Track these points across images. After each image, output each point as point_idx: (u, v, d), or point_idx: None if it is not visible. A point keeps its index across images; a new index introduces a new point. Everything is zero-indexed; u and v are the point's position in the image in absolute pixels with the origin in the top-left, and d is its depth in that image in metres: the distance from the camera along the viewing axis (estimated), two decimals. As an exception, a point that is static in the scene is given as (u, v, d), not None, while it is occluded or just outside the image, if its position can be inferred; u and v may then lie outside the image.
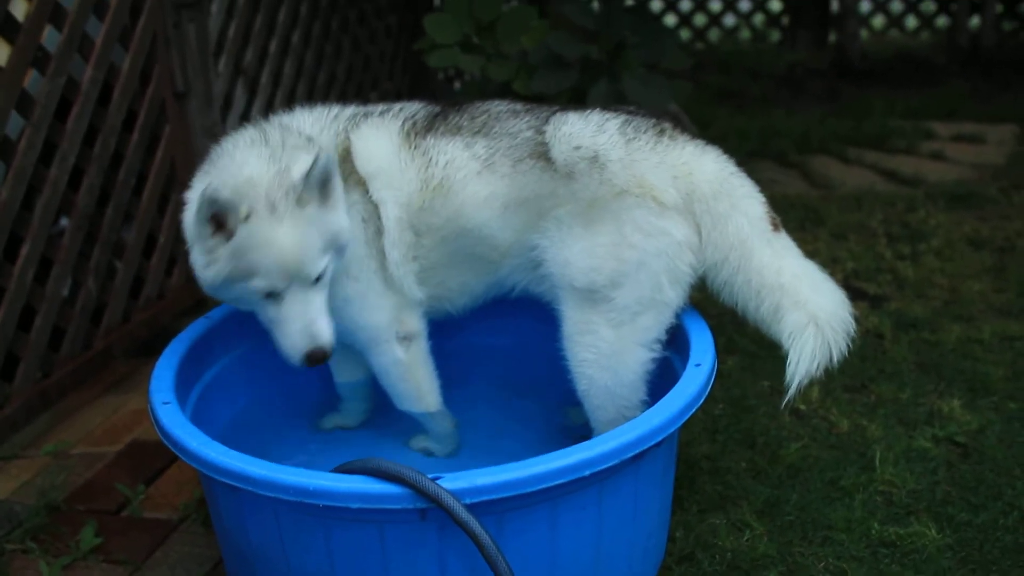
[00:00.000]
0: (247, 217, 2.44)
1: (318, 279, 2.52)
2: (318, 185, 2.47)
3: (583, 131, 2.65)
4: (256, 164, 2.52)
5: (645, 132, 2.66)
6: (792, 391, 2.56)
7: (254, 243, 2.45)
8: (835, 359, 2.59)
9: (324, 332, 2.53)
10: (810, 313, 2.59)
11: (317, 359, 2.53)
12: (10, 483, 3.25)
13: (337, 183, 2.54)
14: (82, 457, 3.40)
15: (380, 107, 2.86)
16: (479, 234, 2.71)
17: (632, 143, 2.63)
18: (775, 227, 2.70)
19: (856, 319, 4.04)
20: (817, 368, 2.57)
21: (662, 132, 2.68)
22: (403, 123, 2.76)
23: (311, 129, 2.74)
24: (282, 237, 2.44)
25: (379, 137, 2.73)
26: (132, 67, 4.03)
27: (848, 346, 2.64)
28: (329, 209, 2.52)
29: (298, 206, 2.45)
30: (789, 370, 2.57)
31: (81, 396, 3.82)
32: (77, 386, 3.86)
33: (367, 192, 2.70)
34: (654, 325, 2.69)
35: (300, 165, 2.48)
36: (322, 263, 2.51)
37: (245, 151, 2.58)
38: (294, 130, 2.69)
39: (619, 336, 2.66)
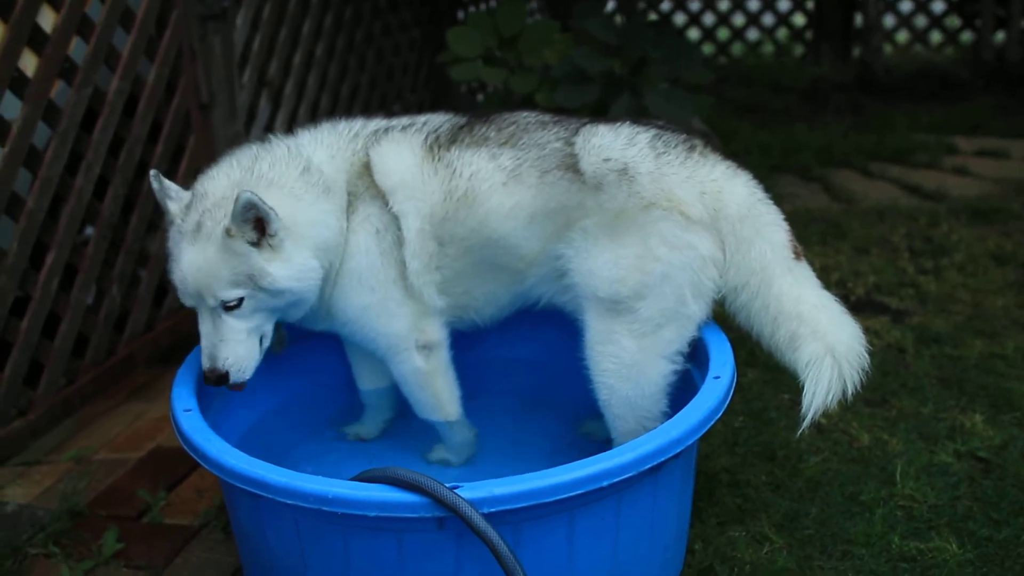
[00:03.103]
0: (171, 224, 2.63)
1: (232, 308, 2.59)
2: (244, 221, 2.51)
3: (613, 143, 2.66)
4: (222, 181, 2.64)
5: (675, 147, 2.67)
6: (807, 422, 2.56)
7: (171, 251, 2.63)
8: (849, 393, 2.59)
9: (224, 359, 2.61)
10: (828, 345, 2.60)
11: (212, 381, 2.62)
12: (33, 488, 3.28)
13: (279, 229, 2.54)
14: (104, 463, 3.43)
15: (403, 121, 2.88)
16: (504, 244, 2.72)
17: (662, 157, 2.64)
18: (797, 256, 2.71)
19: (877, 333, 4.05)
20: (832, 400, 2.57)
21: (692, 148, 2.69)
22: (426, 136, 2.78)
23: (326, 150, 2.78)
24: (187, 257, 2.57)
25: (400, 151, 2.75)
26: (158, 78, 4.07)
27: (868, 363, 2.64)
28: (262, 252, 2.55)
29: (226, 235, 2.52)
30: (805, 401, 2.57)
31: (104, 403, 3.85)
32: (100, 393, 3.89)
33: (386, 205, 2.72)
34: (676, 338, 2.69)
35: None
36: (228, 294, 2.56)
37: (230, 164, 2.70)
38: (303, 155, 2.73)
39: (641, 347, 2.66)
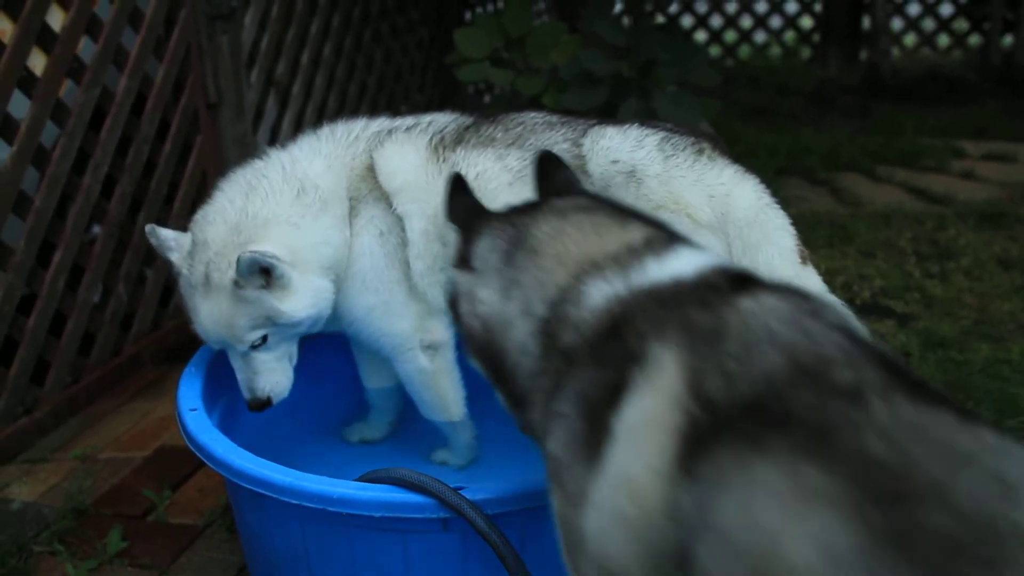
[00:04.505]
0: (179, 275, 2.66)
1: (258, 346, 2.64)
2: (252, 274, 2.52)
3: (621, 145, 2.65)
4: (220, 228, 2.63)
5: (684, 150, 2.65)
6: None
7: (186, 301, 2.67)
8: None
9: (263, 388, 2.69)
10: None
11: (255, 408, 2.70)
12: (39, 486, 3.29)
13: (284, 271, 2.56)
14: (110, 462, 3.44)
15: (408, 121, 2.87)
16: None
17: (670, 160, 2.62)
18: (803, 261, 2.69)
19: (883, 337, 4.04)
20: None
21: (701, 151, 2.67)
22: (431, 137, 2.77)
23: (322, 160, 2.77)
24: (203, 310, 2.60)
25: (404, 153, 2.75)
26: (166, 78, 4.08)
27: None
28: (273, 292, 2.58)
29: (235, 286, 2.54)
30: None
31: (110, 402, 3.86)
32: (106, 392, 3.90)
33: (390, 206, 2.72)
34: None
35: (254, 245, 2.54)
36: (250, 337, 2.61)
37: (225, 205, 2.68)
38: (297, 173, 2.72)
39: None
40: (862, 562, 1.15)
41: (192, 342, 2.82)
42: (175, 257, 2.68)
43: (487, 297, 1.84)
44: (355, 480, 2.24)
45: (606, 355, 1.55)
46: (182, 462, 3.35)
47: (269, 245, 2.56)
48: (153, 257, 4.13)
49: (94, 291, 3.82)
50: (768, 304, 1.48)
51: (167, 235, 2.72)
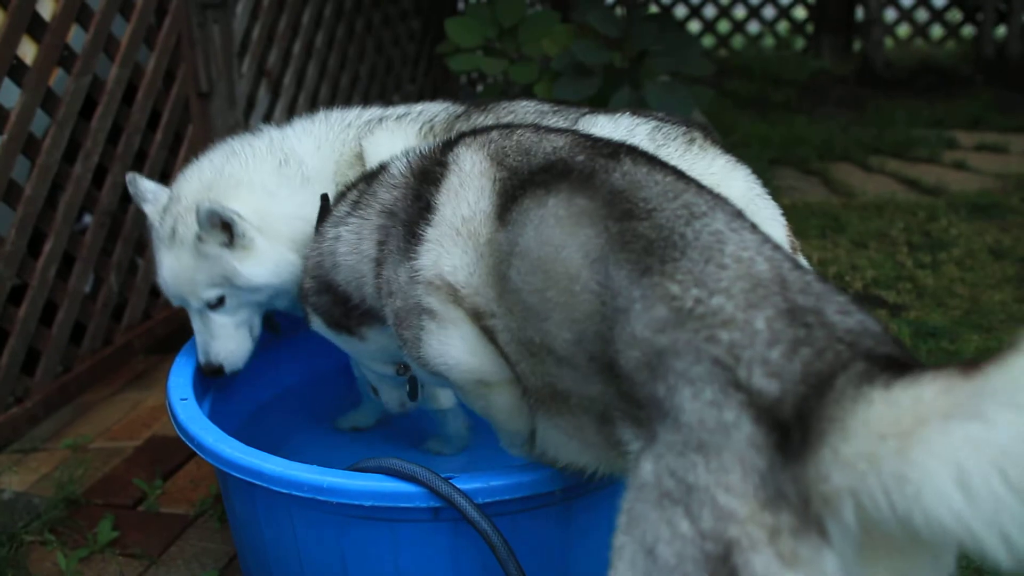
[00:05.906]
0: (151, 227, 2.71)
1: (215, 306, 2.67)
2: (212, 227, 2.55)
3: (612, 135, 2.63)
4: (194, 184, 2.67)
5: (674, 139, 2.64)
6: None
7: (153, 253, 2.71)
8: None
9: (216, 353, 2.72)
10: None
11: (208, 374, 2.73)
12: (30, 476, 3.29)
13: (246, 230, 2.57)
14: (101, 451, 3.44)
15: (399, 110, 2.86)
16: None
17: (661, 150, 2.61)
18: (794, 251, 2.69)
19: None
20: None
21: (692, 141, 2.66)
22: (421, 126, 2.76)
23: (312, 140, 2.78)
24: (166, 263, 2.66)
25: (393, 141, 2.73)
26: (157, 67, 4.06)
27: None
28: (235, 252, 2.60)
29: (197, 240, 2.58)
30: None
31: (101, 391, 3.85)
32: (97, 381, 3.89)
33: None
34: None
35: (227, 202, 2.56)
36: (207, 295, 2.65)
37: (204, 164, 2.73)
38: (284, 147, 2.74)
39: None
40: (603, 258, 1.71)
41: (183, 331, 2.82)
42: (149, 209, 2.73)
43: (311, 253, 2.42)
44: (345, 469, 2.24)
45: (421, 191, 2.08)
46: (173, 452, 3.36)
47: (237, 204, 2.58)
48: (144, 247, 4.12)
49: (85, 280, 3.82)
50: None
51: (146, 186, 2.77)
